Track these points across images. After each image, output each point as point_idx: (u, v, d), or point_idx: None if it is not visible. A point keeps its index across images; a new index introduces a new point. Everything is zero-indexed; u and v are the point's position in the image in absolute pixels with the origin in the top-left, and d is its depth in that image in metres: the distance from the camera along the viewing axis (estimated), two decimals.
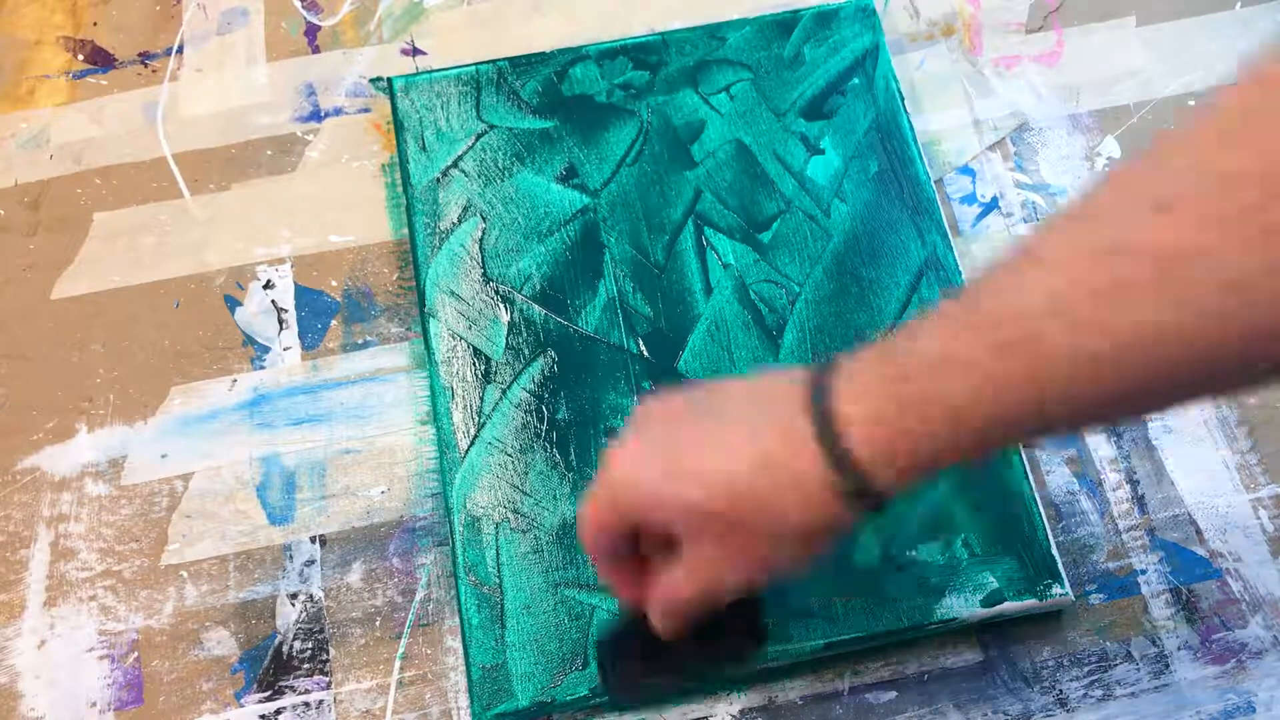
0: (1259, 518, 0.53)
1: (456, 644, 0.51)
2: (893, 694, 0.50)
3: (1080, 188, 0.60)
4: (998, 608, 0.49)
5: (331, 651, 0.51)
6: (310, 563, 0.53)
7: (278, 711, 0.50)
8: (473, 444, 0.53)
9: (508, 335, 0.55)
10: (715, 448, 0.37)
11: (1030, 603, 0.50)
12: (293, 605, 0.52)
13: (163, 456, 0.55)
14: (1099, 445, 0.54)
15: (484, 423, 0.53)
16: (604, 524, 0.40)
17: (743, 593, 0.40)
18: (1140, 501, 0.53)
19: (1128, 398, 0.32)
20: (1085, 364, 0.31)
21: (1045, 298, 0.31)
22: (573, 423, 0.53)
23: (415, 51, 0.64)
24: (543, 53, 0.61)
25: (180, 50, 0.65)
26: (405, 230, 0.59)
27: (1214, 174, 0.29)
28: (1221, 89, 0.31)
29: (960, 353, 0.33)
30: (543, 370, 0.54)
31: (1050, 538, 0.51)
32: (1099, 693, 0.50)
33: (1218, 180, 0.29)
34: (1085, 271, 0.30)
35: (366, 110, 0.63)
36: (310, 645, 0.51)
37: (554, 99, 0.60)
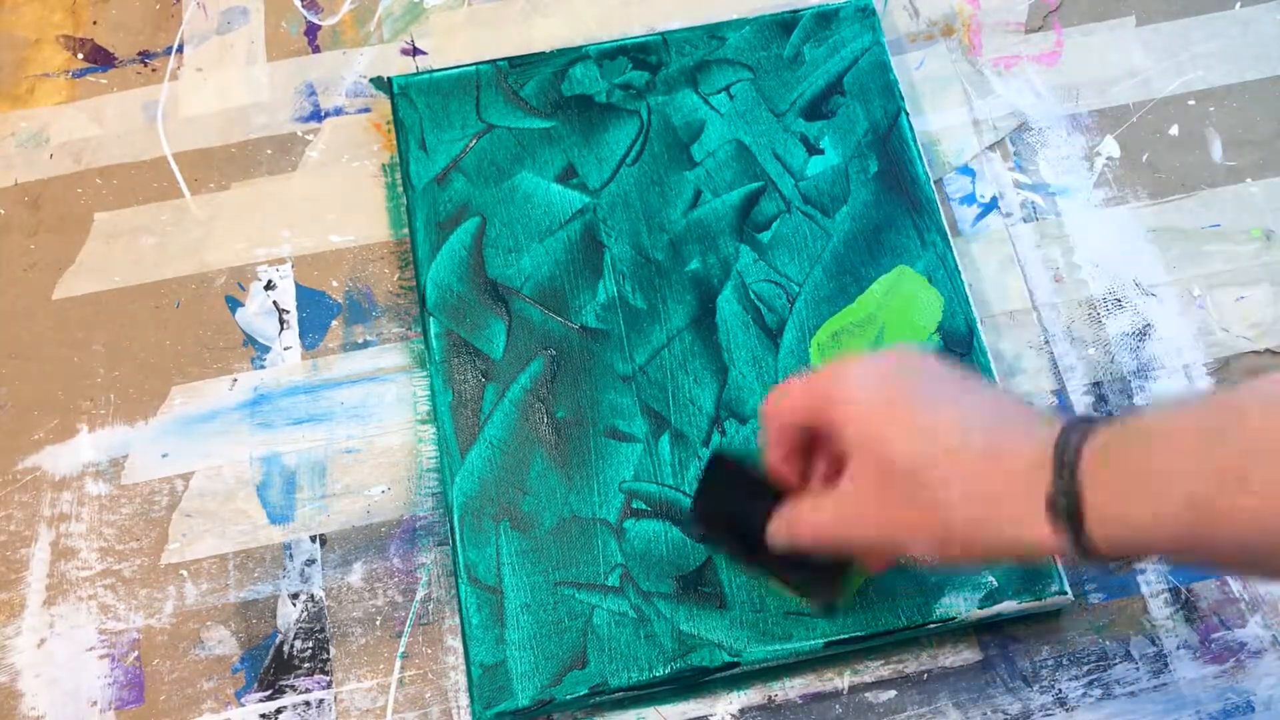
0: None
1: (457, 643, 0.51)
2: (892, 693, 0.50)
3: (1080, 187, 0.60)
4: (997, 607, 0.49)
5: (332, 650, 0.51)
6: (311, 562, 0.53)
7: (278, 711, 0.50)
8: (473, 444, 0.53)
9: (508, 335, 0.55)
10: (956, 408, 0.38)
11: (1029, 602, 0.50)
12: (293, 605, 0.52)
13: (163, 456, 0.55)
14: None
15: (484, 423, 0.53)
16: (798, 407, 0.42)
17: (874, 562, 0.40)
18: None
19: None
20: None
21: None
22: (572, 422, 0.53)
23: (415, 51, 0.64)
24: (543, 53, 0.62)
25: (180, 49, 0.65)
26: (405, 230, 0.59)
27: None
28: None
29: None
30: (543, 370, 0.54)
31: None
32: (1098, 692, 0.50)
33: None
34: None
35: (366, 110, 0.63)
36: (311, 644, 0.51)
37: (554, 99, 0.60)
